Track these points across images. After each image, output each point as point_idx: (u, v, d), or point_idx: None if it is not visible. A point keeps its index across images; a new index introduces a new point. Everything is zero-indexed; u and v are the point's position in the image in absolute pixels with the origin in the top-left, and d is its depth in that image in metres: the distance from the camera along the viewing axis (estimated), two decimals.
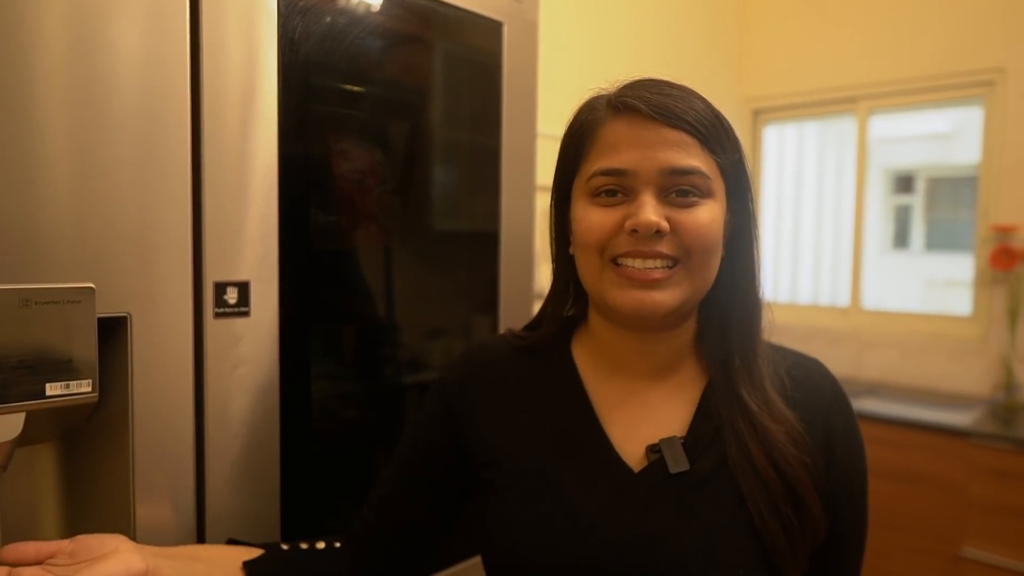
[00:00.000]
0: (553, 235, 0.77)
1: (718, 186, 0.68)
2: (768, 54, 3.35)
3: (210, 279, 0.73)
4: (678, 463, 0.67)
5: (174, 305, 0.70)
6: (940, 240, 5.19)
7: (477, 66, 1.02)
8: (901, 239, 5.41)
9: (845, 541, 0.72)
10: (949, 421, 2.38)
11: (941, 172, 5.27)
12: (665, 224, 0.64)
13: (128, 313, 0.66)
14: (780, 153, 3.58)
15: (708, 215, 0.66)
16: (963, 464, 2.30)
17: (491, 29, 1.02)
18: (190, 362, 0.72)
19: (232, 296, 0.74)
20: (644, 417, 0.72)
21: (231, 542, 0.76)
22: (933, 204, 5.32)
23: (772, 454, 0.66)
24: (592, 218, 0.67)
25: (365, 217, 0.89)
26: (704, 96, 0.69)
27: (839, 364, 3.03)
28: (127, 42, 0.65)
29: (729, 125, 0.69)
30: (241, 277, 0.75)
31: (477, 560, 0.99)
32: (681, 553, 0.65)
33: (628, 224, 0.64)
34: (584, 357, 0.77)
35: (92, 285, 0.63)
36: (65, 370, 0.61)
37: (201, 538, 0.74)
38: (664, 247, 0.64)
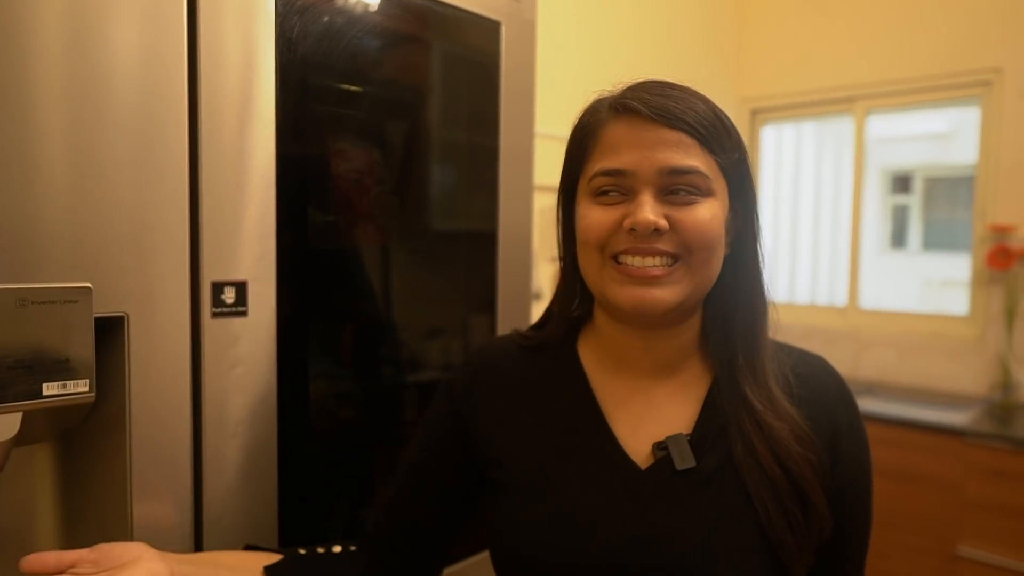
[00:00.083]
0: (560, 235, 0.78)
1: (719, 185, 0.68)
2: (766, 54, 3.35)
3: (207, 279, 0.72)
4: (684, 460, 0.68)
5: (171, 305, 0.70)
6: (937, 240, 5.20)
7: (475, 66, 1.02)
8: (898, 239, 5.42)
9: (850, 537, 0.72)
10: (946, 421, 2.38)
11: (938, 172, 5.28)
12: (663, 223, 0.64)
13: (125, 313, 0.66)
14: (778, 153, 3.58)
15: (708, 213, 0.66)
16: (960, 463, 2.30)
17: (489, 29, 1.02)
18: (187, 362, 0.72)
19: (230, 296, 0.74)
20: (650, 415, 0.72)
21: (248, 548, 0.76)
22: (930, 204, 5.34)
23: (777, 452, 0.67)
24: (593, 217, 0.68)
25: (363, 217, 0.89)
26: (706, 96, 0.70)
27: (837, 364, 3.01)
28: (124, 41, 0.65)
29: (731, 125, 0.69)
30: (239, 277, 0.75)
31: (482, 557, 0.99)
32: (688, 549, 0.66)
33: (627, 223, 0.65)
34: (590, 356, 0.77)
35: (89, 285, 0.62)
36: (62, 370, 0.61)
37: (199, 538, 0.74)
38: (663, 244, 0.65)
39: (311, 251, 0.83)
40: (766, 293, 0.73)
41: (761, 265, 0.73)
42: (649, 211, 0.64)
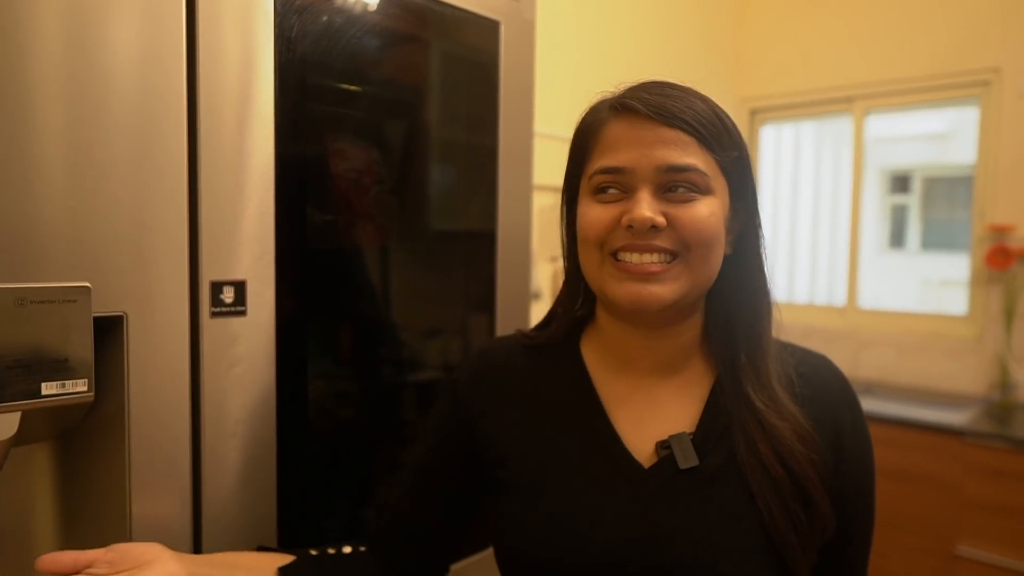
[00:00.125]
0: (564, 236, 0.78)
1: (718, 183, 0.68)
2: (765, 54, 3.35)
3: (206, 278, 0.72)
4: (687, 459, 0.68)
5: (170, 304, 0.70)
6: (936, 240, 5.21)
7: (474, 65, 1.02)
8: (897, 239, 5.42)
9: (853, 536, 0.73)
10: (945, 420, 2.38)
11: (937, 172, 5.28)
12: (661, 219, 0.65)
13: (124, 312, 0.66)
14: (777, 153, 3.59)
15: (706, 210, 0.66)
16: (959, 463, 2.31)
17: (488, 28, 1.02)
18: (186, 361, 0.72)
19: (228, 295, 0.74)
20: (653, 414, 0.72)
21: (260, 549, 0.77)
22: (929, 204, 5.34)
23: (780, 452, 0.67)
24: (592, 214, 0.69)
25: (362, 216, 0.89)
26: (707, 96, 0.70)
27: (836, 363, 3.03)
28: (123, 41, 0.65)
29: (731, 124, 0.70)
30: (237, 276, 0.75)
31: (484, 555, 0.99)
32: (691, 548, 0.66)
33: (624, 220, 0.66)
34: (593, 355, 0.77)
35: (88, 284, 0.62)
36: (61, 369, 0.61)
37: (197, 537, 0.74)
38: (661, 241, 0.66)
39: (310, 251, 0.83)
40: (769, 293, 0.73)
41: (764, 265, 0.73)
42: (646, 208, 0.64)
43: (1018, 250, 2.65)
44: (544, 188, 2.40)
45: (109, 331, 0.66)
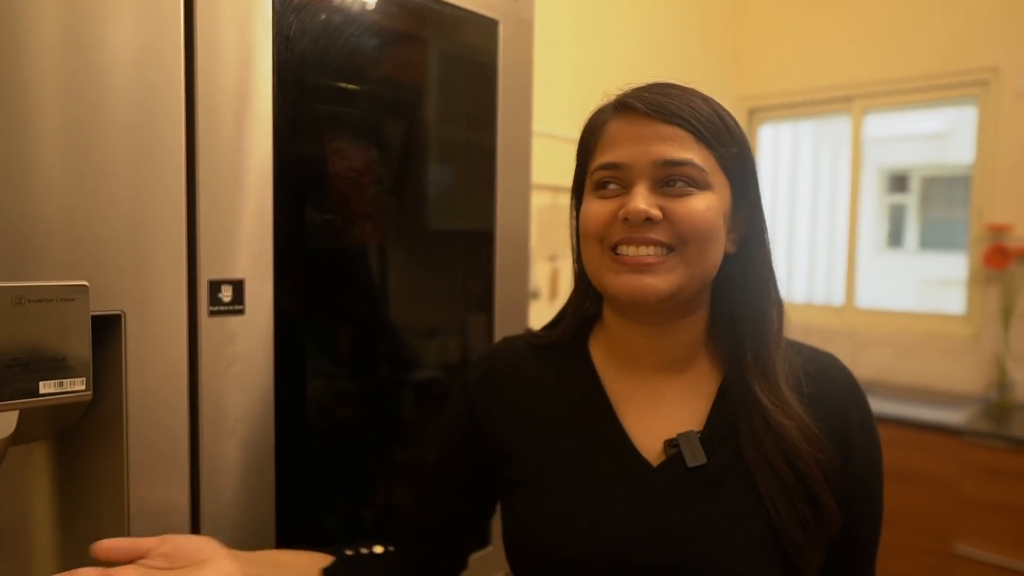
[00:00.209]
0: (573, 236, 0.79)
1: (717, 179, 0.69)
2: (764, 53, 3.35)
3: (204, 277, 0.72)
4: (695, 457, 0.69)
5: (168, 303, 0.70)
6: (934, 239, 5.21)
7: (473, 64, 1.02)
8: (895, 238, 5.43)
9: (861, 534, 0.73)
10: (943, 419, 2.39)
11: (935, 171, 5.29)
12: (656, 212, 0.66)
13: (122, 311, 0.66)
14: (775, 152, 3.59)
15: (702, 204, 0.67)
16: (956, 462, 2.31)
17: (487, 27, 1.02)
18: (184, 360, 0.71)
19: (227, 294, 0.74)
20: (661, 412, 0.73)
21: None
22: (927, 203, 5.35)
23: (786, 451, 0.67)
24: (592, 209, 0.70)
25: (360, 216, 0.89)
26: (709, 97, 0.71)
27: None
28: (121, 39, 0.65)
29: (733, 123, 0.71)
30: (236, 275, 0.75)
31: (483, 553, 0.99)
32: (700, 545, 0.66)
33: (621, 213, 0.67)
34: (600, 353, 0.78)
35: (86, 283, 0.62)
36: (59, 368, 0.60)
37: None
38: (657, 234, 0.66)
39: (308, 250, 0.83)
40: (775, 291, 0.74)
41: (769, 263, 0.73)
42: (641, 201, 0.66)
43: (1016, 249, 2.65)
44: (543, 187, 2.41)
45: (107, 330, 0.66)
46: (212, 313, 0.73)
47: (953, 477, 2.31)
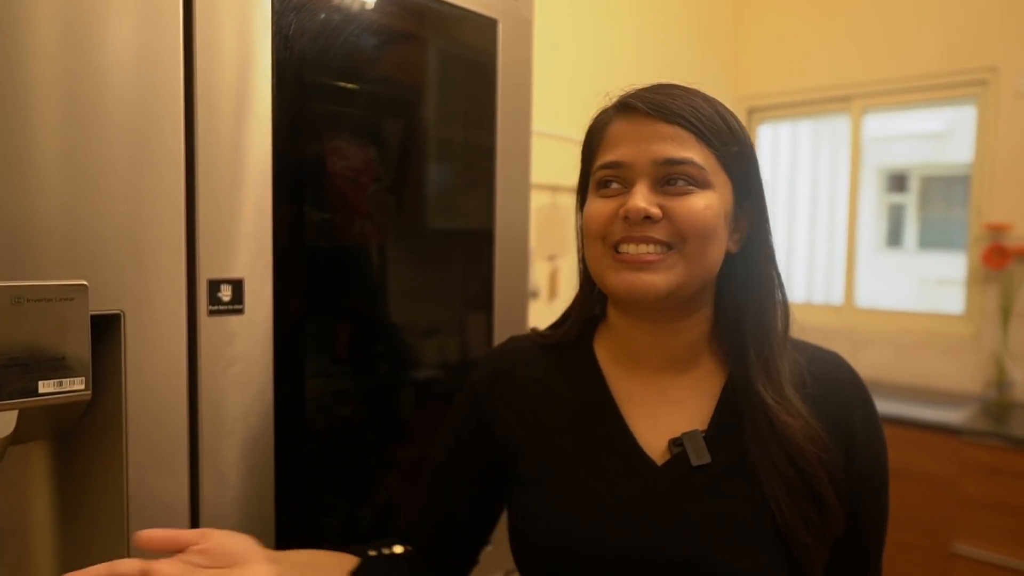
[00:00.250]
0: (579, 235, 0.79)
1: (718, 179, 0.69)
2: (763, 53, 3.35)
3: (204, 276, 0.72)
4: (700, 456, 0.69)
5: (168, 302, 0.70)
6: (933, 238, 5.22)
7: (472, 63, 1.02)
8: (894, 237, 5.43)
9: (866, 533, 0.73)
10: (942, 419, 2.39)
11: (934, 171, 5.29)
12: (655, 211, 0.66)
13: (121, 311, 0.66)
14: (774, 152, 3.59)
15: (702, 203, 0.67)
16: (955, 461, 2.31)
17: (486, 26, 1.02)
18: (184, 360, 0.71)
19: (226, 293, 0.74)
20: (666, 411, 0.74)
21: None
22: (926, 203, 5.35)
23: (789, 450, 0.68)
24: (594, 208, 0.71)
25: (359, 215, 0.89)
26: (712, 97, 0.72)
27: None
28: (120, 38, 0.65)
29: (735, 123, 0.71)
30: (235, 274, 0.75)
31: (486, 551, 0.99)
32: (703, 543, 0.67)
33: (621, 211, 0.68)
34: (605, 353, 0.79)
35: (85, 282, 0.62)
36: (58, 368, 0.60)
37: None
38: (657, 232, 0.67)
39: (308, 249, 0.83)
40: (779, 291, 0.74)
41: (773, 263, 0.74)
42: (641, 199, 0.66)
43: (1015, 249, 2.66)
44: (542, 187, 2.41)
45: (106, 329, 0.66)
46: (211, 312, 0.73)
47: (952, 476, 2.31)
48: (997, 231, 2.70)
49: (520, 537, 0.74)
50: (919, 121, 4.34)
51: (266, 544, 0.79)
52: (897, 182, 5.39)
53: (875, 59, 3.02)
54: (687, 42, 3.09)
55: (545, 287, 2.39)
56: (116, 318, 0.66)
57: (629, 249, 0.68)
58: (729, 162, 0.70)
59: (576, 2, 2.49)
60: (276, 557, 0.67)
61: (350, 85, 0.86)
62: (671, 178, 0.67)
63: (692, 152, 0.67)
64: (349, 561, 0.76)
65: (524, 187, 1.11)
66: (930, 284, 4.34)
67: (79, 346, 0.62)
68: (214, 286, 0.73)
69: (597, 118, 0.75)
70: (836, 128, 3.39)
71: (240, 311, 0.75)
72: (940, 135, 4.60)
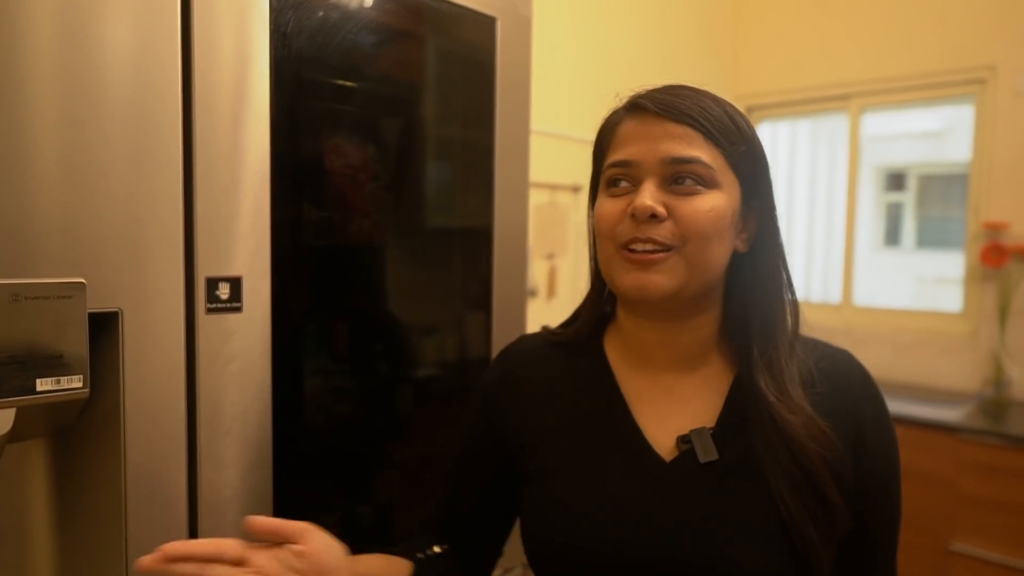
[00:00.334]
0: (590, 234, 0.80)
1: (726, 178, 0.70)
2: (762, 51, 3.35)
3: (202, 274, 0.72)
4: (707, 453, 0.70)
5: (166, 300, 0.69)
6: (931, 237, 5.22)
7: (470, 62, 1.02)
8: (892, 236, 5.43)
9: (878, 530, 0.73)
10: (940, 417, 2.39)
11: (932, 170, 5.30)
12: (661, 209, 0.67)
13: (119, 308, 0.66)
14: (773, 150, 3.59)
15: (708, 204, 0.68)
16: (953, 460, 2.32)
17: (484, 24, 1.02)
18: (182, 358, 0.71)
19: (224, 292, 0.74)
20: (674, 409, 0.74)
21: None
22: (924, 201, 5.35)
23: (792, 448, 0.68)
24: (604, 207, 0.72)
25: (358, 213, 0.88)
26: (720, 98, 0.72)
27: None
28: (118, 36, 0.65)
29: (743, 123, 0.72)
30: (233, 273, 0.75)
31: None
32: (709, 539, 0.67)
33: (628, 209, 0.68)
34: (615, 351, 0.79)
35: (83, 280, 0.62)
36: (56, 366, 0.60)
37: (193, 535, 0.74)
38: (660, 232, 0.67)
39: (306, 247, 0.83)
40: (786, 291, 0.75)
41: (781, 263, 0.75)
42: (648, 197, 0.67)
43: (1012, 247, 2.66)
44: (540, 186, 2.41)
45: (104, 327, 0.66)
46: (210, 310, 0.73)
47: (950, 474, 2.32)
48: (995, 230, 2.71)
49: (531, 534, 0.76)
50: (917, 120, 4.34)
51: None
52: (895, 181, 5.39)
53: (874, 58, 3.02)
54: (686, 40, 3.09)
55: (544, 286, 2.39)
56: (114, 316, 0.66)
57: (637, 247, 0.69)
58: (737, 162, 0.70)
59: (575, 0, 2.48)
60: (353, 562, 0.68)
61: (348, 83, 0.86)
62: (679, 177, 0.68)
63: (700, 151, 0.68)
64: (401, 565, 0.79)
65: (523, 186, 1.11)
66: (928, 283, 4.34)
67: (77, 344, 0.62)
68: (212, 284, 0.73)
69: (608, 118, 0.76)
70: (834, 127, 3.39)
71: (238, 309, 0.75)
72: (938, 134, 4.60)
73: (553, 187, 2.35)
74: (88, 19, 0.63)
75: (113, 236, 0.65)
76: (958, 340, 2.84)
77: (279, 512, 0.81)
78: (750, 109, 3.44)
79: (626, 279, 0.69)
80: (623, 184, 0.71)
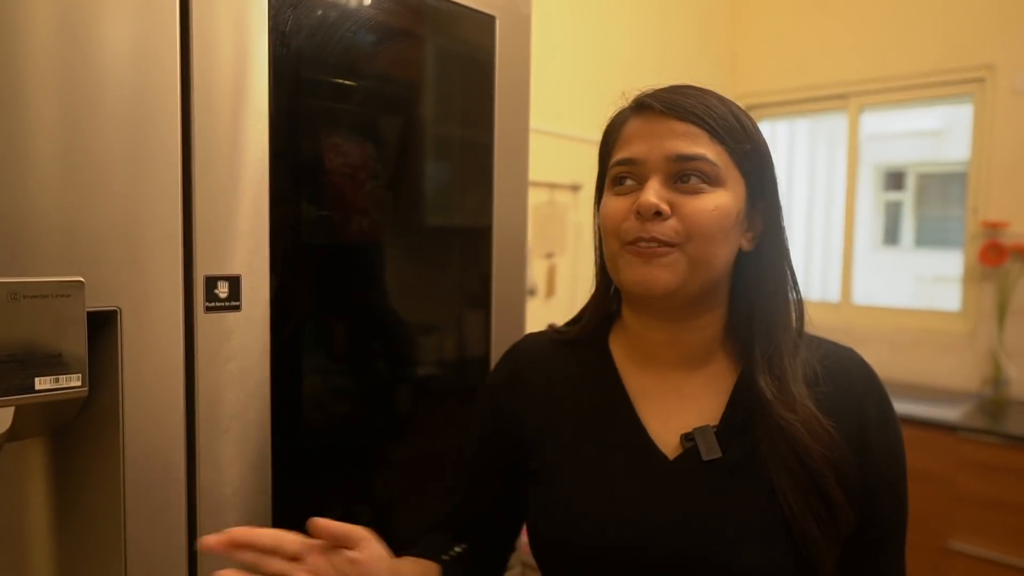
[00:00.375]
0: (596, 233, 0.80)
1: (731, 176, 0.70)
2: (761, 50, 3.35)
3: (201, 273, 0.72)
4: (710, 451, 0.70)
5: (164, 299, 0.69)
6: (930, 236, 5.23)
7: (469, 61, 1.02)
8: (891, 235, 5.44)
9: (884, 527, 0.73)
10: (938, 416, 2.39)
11: (931, 169, 5.30)
12: (665, 207, 0.67)
13: (118, 307, 0.66)
14: (771, 149, 3.59)
15: (712, 202, 0.68)
16: (951, 458, 2.32)
17: (484, 23, 1.02)
18: (181, 356, 0.71)
19: (223, 290, 0.74)
20: (679, 407, 0.75)
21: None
22: (923, 200, 5.36)
23: (795, 447, 0.68)
24: (609, 205, 0.73)
25: (357, 212, 0.88)
26: (726, 98, 0.73)
27: None
28: (117, 35, 0.64)
29: (748, 122, 0.72)
30: (232, 271, 0.75)
31: None
32: (712, 536, 0.68)
33: (633, 206, 0.69)
34: (620, 350, 0.80)
35: (81, 279, 0.62)
36: (54, 364, 0.60)
37: (192, 534, 0.74)
38: (663, 229, 0.68)
39: (305, 246, 0.83)
40: (790, 291, 0.75)
41: (786, 263, 0.75)
42: (652, 195, 0.68)
43: (1011, 246, 2.66)
44: (539, 184, 2.40)
45: (103, 326, 0.66)
46: (208, 309, 0.73)
47: (948, 473, 2.32)
48: (994, 228, 2.71)
49: (536, 531, 0.76)
50: (916, 119, 4.35)
51: None
52: (894, 180, 5.40)
53: (872, 57, 3.02)
54: (685, 39, 3.09)
55: (543, 285, 2.39)
56: (113, 315, 0.66)
57: (641, 244, 0.69)
58: (742, 160, 0.70)
59: None
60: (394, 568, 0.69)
61: (347, 82, 0.86)
62: (684, 175, 0.68)
63: (705, 149, 0.68)
64: (431, 569, 0.79)
65: (522, 184, 1.11)
66: (927, 281, 4.35)
67: (76, 343, 0.62)
68: (211, 283, 0.73)
69: (614, 118, 0.77)
70: (833, 126, 3.39)
71: (237, 308, 0.75)
72: (937, 133, 4.60)
73: (552, 186, 2.35)
74: (87, 17, 0.62)
75: (112, 235, 0.65)
76: (957, 339, 2.84)
77: (278, 510, 0.81)
78: (749, 108, 3.44)
79: (629, 274, 0.70)
80: (628, 182, 0.71)
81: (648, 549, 0.68)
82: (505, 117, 1.06)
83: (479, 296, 1.06)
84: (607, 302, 0.83)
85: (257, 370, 0.78)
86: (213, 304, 0.73)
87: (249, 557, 0.60)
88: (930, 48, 2.88)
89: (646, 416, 0.75)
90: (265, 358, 0.78)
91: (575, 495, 0.73)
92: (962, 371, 2.82)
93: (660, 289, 0.68)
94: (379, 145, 0.92)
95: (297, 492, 0.83)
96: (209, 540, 0.60)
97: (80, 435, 0.71)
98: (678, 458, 0.71)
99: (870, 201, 4.99)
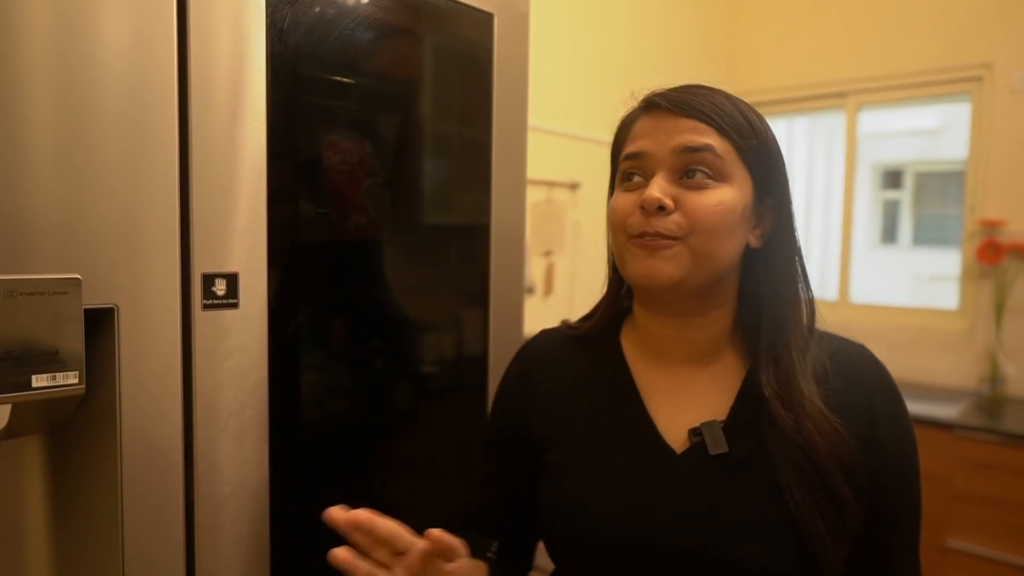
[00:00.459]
0: (608, 231, 0.81)
1: (737, 172, 0.71)
2: (759, 49, 3.36)
3: (198, 270, 0.72)
4: (717, 445, 0.71)
5: (162, 297, 0.69)
6: (928, 235, 5.23)
7: (468, 58, 1.02)
8: (889, 234, 5.44)
9: (896, 524, 0.73)
10: (936, 414, 2.40)
11: (929, 167, 5.31)
12: (669, 201, 0.68)
13: (115, 304, 0.66)
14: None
15: (716, 198, 0.69)
16: (949, 456, 2.32)
17: (482, 21, 1.02)
18: (178, 354, 0.71)
19: (220, 288, 0.74)
20: (687, 402, 0.76)
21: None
22: (921, 199, 5.36)
23: (802, 444, 0.68)
24: (617, 201, 0.74)
25: (355, 209, 0.88)
26: (735, 97, 0.74)
27: None
28: (114, 32, 0.64)
29: (755, 120, 0.73)
30: (229, 269, 0.75)
31: None
32: (718, 529, 0.68)
33: (639, 202, 0.70)
34: (631, 346, 0.81)
35: (79, 276, 0.62)
36: (51, 362, 0.60)
37: (190, 532, 0.74)
38: (667, 224, 0.69)
39: (303, 243, 0.83)
40: (799, 287, 0.75)
41: (795, 260, 0.75)
42: (656, 190, 0.69)
43: (1009, 245, 2.67)
44: (537, 183, 2.40)
45: (100, 323, 0.66)
46: (206, 307, 0.73)
47: (945, 471, 2.33)
48: (991, 227, 2.71)
49: (547, 524, 0.77)
50: (914, 117, 4.35)
51: (261, 540, 0.79)
52: (892, 178, 5.40)
53: (870, 55, 3.02)
54: (683, 37, 3.09)
55: (541, 283, 2.39)
56: (110, 312, 0.66)
57: (644, 239, 0.70)
58: (748, 155, 0.71)
59: None
60: None
61: (345, 79, 0.86)
62: (690, 170, 0.69)
63: (710, 140, 0.69)
64: (482, 570, 0.81)
65: (520, 182, 1.11)
66: (924, 280, 4.36)
67: (73, 340, 0.61)
68: (208, 280, 0.73)
69: (624, 117, 0.78)
70: (831, 124, 3.40)
71: (235, 305, 0.75)
72: (935, 131, 4.61)
73: (550, 184, 2.35)
74: (84, 15, 0.62)
75: (109, 232, 0.65)
76: (954, 337, 2.85)
77: (275, 508, 0.81)
78: None
79: (634, 266, 0.71)
80: (636, 178, 0.72)
81: (654, 542, 0.69)
82: (503, 115, 1.06)
83: (477, 294, 1.06)
84: (619, 298, 0.84)
85: (255, 368, 0.78)
86: (211, 301, 0.73)
87: (362, 540, 0.63)
88: (928, 47, 2.89)
89: (655, 411, 0.75)
90: (263, 355, 0.78)
91: (584, 488, 0.74)
92: (960, 369, 2.82)
93: (664, 281, 0.69)
94: (377, 143, 0.92)
95: (295, 490, 0.83)
96: (334, 511, 0.64)
97: (77, 432, 0.70)
98: (685, 452, 0.72)
99: (868, 199, 5.00)
